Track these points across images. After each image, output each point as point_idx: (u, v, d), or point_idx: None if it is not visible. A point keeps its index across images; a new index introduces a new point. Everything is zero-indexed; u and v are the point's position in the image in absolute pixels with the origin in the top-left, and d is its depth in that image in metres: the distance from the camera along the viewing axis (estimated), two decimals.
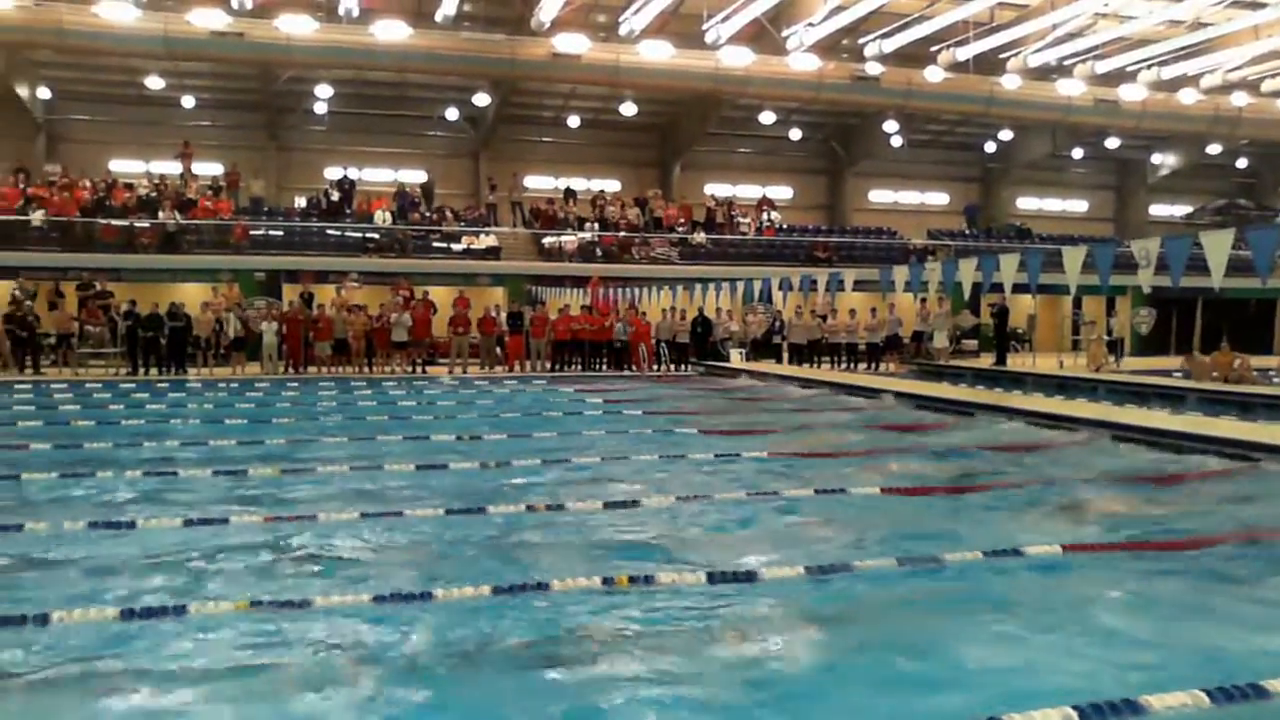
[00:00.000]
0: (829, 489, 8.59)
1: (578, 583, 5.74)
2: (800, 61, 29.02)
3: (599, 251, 31.25)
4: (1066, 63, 31.20)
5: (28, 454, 10.89)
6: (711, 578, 5.83)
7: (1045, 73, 31.95)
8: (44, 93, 31.19)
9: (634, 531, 7.27)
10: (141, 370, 22.01)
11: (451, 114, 33.42)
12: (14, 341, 22.15)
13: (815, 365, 24.80)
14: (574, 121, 34.39)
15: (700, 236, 32.57)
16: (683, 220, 33.34)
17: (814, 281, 21.94)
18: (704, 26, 27.74)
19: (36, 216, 27.05)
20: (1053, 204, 41.94)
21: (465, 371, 23.52)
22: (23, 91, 30.11)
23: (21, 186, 28.00)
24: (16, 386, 18.98)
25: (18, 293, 23.29)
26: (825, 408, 15.69)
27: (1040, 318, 29.31)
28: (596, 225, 31.99)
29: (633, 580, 5.77)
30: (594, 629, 5.16)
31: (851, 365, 25.35)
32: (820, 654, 4.93)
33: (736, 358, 24.75)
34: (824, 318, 26.10)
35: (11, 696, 4.35)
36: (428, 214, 31.29)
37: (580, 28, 28.17)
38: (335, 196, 30.88)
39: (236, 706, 4.23)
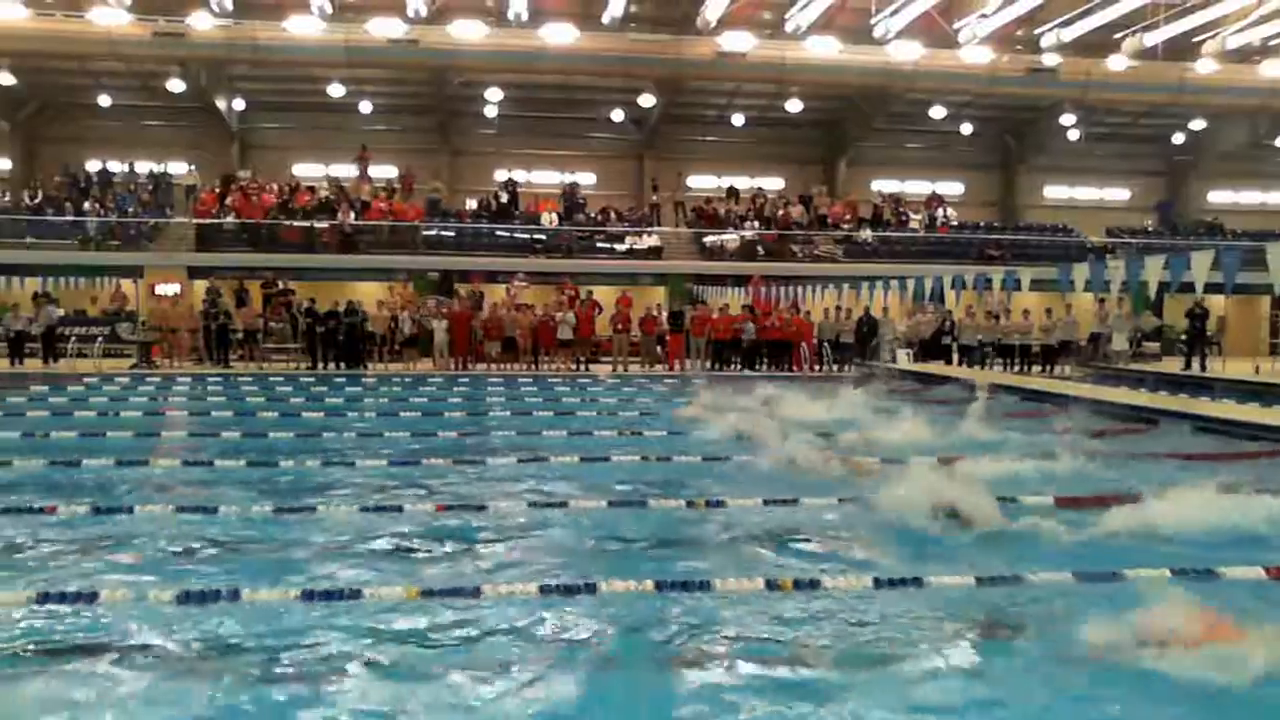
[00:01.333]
0: None
1: (740, 583, 5.64)
2: (973, 54, 28.15)
3: (761, 250, 31.00)
4: (1272, 42, 29.07)
5: (219, 442, 11.53)
6: (878, 583, 5.66)
7: (1246, 55, 29.89)
8: (238, 104, 33.21)
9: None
10: (320, 365, 23.07)
11: (617, 115, 33.80)
12: (207, 336, 23.61)
13: (987, 367, 23.94)
14: (738, 120, 34.24)
15: (866, 234, 31.89)
16: (848, 217, 32.74)
17: (989, 280, 21.13)
18: (872, 21, 27.21)
19: (228, 221, 28.78)
20: (1250, 196, 39.12)
21: (626, 369, 23.70)
22: (220, 103, 32.18)
23: (218, 191, 29.82)
24: (209, 379, 20.21)
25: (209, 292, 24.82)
26: None
27: (1231, 319, 27.49)
28: (757, 223, 31.74)
29: (797, 584, 5.63)
30: (752, 629, 5.05)
31: (1024, 368, 24.34)
32: (1000, 667, 4.68)
33: (904, 359, 24.11)
34: (996, 318, 25.16)
35: (201, 670, 4.56)
36: (593, 215, 31.73)
37: (746, 25, 28.05)
38: (504, 198, 31.66)
39: (405, 692, 4.32)
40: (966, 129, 35.25)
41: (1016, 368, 24.26)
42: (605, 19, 27.40)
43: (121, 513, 7.49)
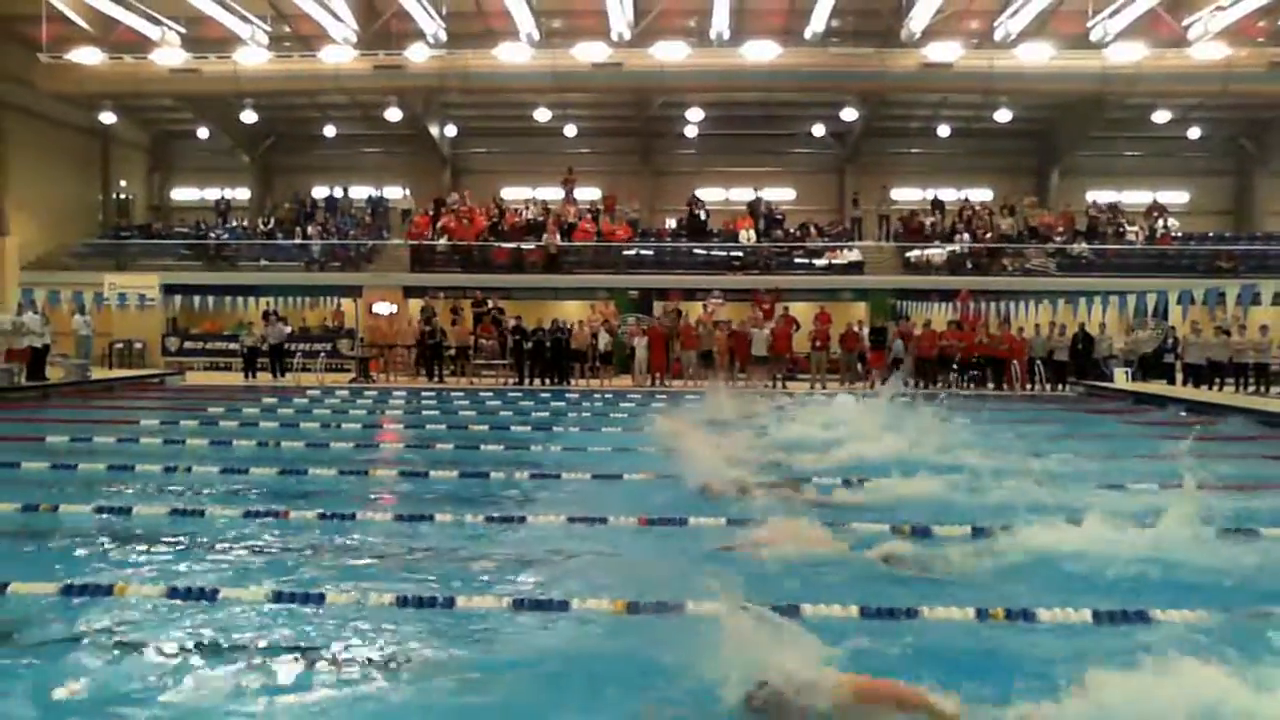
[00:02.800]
0: None
1: (949, 612, 5.41)
2: (1204, 51, 26.19)
3: (968, 264, 29.93)
4: None
5: (434, 453, 12.04)
6: (1098, 616, 5.31)
7: None
8: (450, 130, 34.84)
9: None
10: (527, 380, 23.79)
11: (818, 130, 33.47)
12: (422, 352, 24.81)
13: (1216, 388, 22.24)
14: (944, 130, 33.24)
15: (1081, 246, 30.27)
16: (1061, 229, 31.17)
17: (1221, 294, 19.65)
18: (1089, 24, 25.90)
19: (440, 243, 30.17)
20: None
21: (824, 387, 23.32)
22: (434, 130, 33.87)
23: (431, 214, 31.33)
24: (423, 393, 21.17)
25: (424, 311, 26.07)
26: None
27: None
28: (966, 236, 30.66)
29: (1009, 614, 5.35)
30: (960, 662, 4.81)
31: (1261, 389, 22.47)
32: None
33: (1122, 377, 22.76)
34: (1228, 334, 23.35)
35: (417, 671, 4.72)
36: (792, 230, 31.47)
37: (952, 35, 27.20)
38: (702, 216, 31.80)
39: (607, 702, 4.32)
40: (1194, 133, 32.95)
41: (1251, 388, 22.43)
42: (807, 34, 27.19)
43: (344, 519, 7.90)
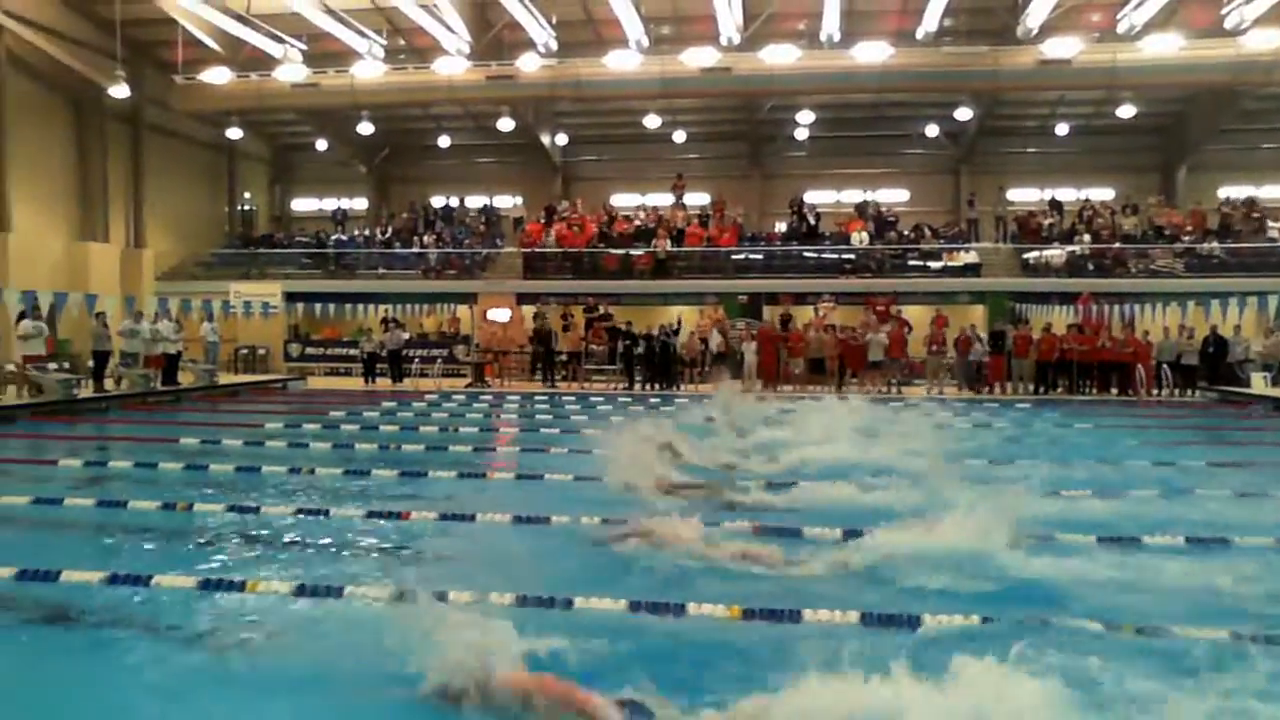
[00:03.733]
0: None
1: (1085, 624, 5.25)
2: None
3: (1089, 265, 28.94)
4: None
5: (549, 457, 12.18)
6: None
7: None
8: (561, 139, 35.25)
9: None
10: (637, 385, 23.89)
11: (931, 130, 32.86)
12: (535, 358, 25.18)
13: None
14: (1062, 129, 32.31)
15: (1213, 245, 28.95)
16: (1190, 228, 29.88)
17: None
18: (1223, 11, 24.77)
19: (550, 250, 30.55)
20: None
21: (941, 392, 22.85)
22: (545, 139, 34.33)
23: (543, 222, 31.74)
24: (536, 397, 21.46)
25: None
26: None
27: None
28: (1086, 237, 29.65)
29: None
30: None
31: None
32: None
33: (1260, 382, 21.70)
34: None
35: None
36: (905, 233, 30.90)
37: (1071, 30, 26.35)
38: (813, 220, 31.47)
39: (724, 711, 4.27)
40: None
41: None
42: (919, 34, 26.68)
43: (464, 520, 8.05)
